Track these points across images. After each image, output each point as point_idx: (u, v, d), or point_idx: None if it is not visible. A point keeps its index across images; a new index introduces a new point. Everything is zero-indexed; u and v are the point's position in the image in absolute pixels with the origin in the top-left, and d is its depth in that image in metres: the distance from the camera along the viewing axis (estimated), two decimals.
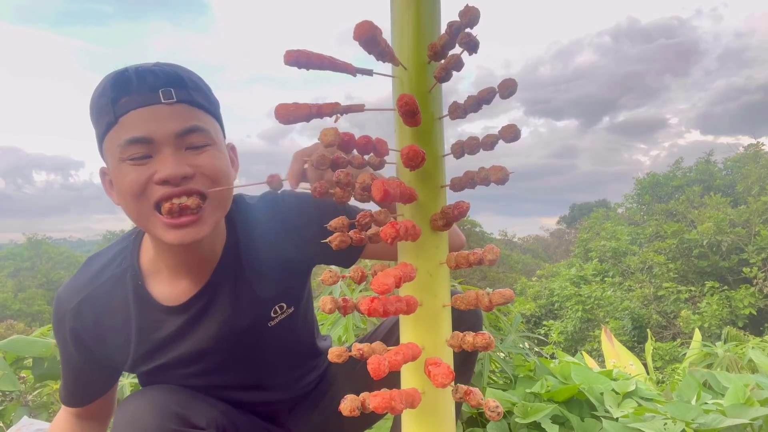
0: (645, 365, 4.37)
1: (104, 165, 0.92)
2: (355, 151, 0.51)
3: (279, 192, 1.06)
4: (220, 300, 0.98)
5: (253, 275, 1.00)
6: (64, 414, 1.13)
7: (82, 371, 1.04)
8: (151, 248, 0.98)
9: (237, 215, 1.00)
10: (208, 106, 0.90)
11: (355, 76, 0.51)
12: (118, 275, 0.98)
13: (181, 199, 0.83)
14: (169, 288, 0.97)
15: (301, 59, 0.46)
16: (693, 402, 1.61)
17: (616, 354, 4.47)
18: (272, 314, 1.02)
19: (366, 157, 0.54)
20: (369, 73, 0.51)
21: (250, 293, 0.99)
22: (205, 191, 0.86)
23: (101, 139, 0.88)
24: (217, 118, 0.93)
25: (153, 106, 0.83)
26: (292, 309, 1.06)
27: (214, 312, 0.98)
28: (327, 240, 0.55)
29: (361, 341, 1.07)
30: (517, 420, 1.46)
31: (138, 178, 0.83)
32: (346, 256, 1.07)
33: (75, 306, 0.98)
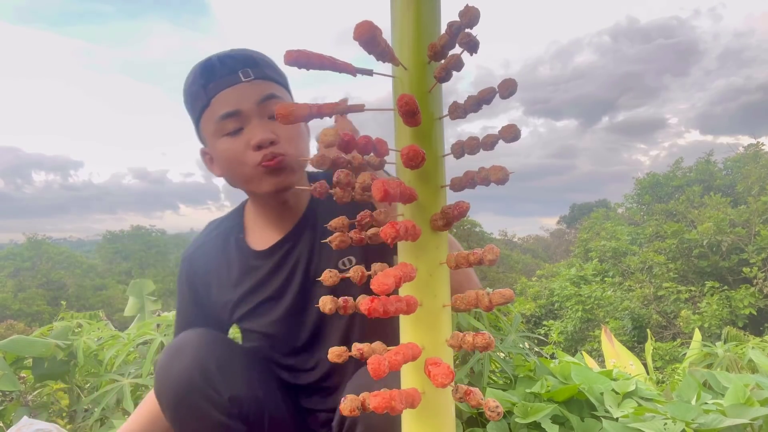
0: (645, 365, 4.37)
1: (203, 147, 1.12)
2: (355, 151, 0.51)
3: None
4: (300, 246, 1.14)
5: (326, 230, 1.09)
6: None
7: (188, 316, 1.20)
8: (252, 209, 1.18)
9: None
10: (279, 78, 1.09)
11: (355, 76, 0.51)
12: (227, 231, 1.20)
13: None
14: (261, 237, 1.16)
15: (301, 59, 0.46)
16: (693, 402, 1.61)
17: (616, 354, 4.46)
18: (341, 266, 1.14)
19: (366, 157, 0.54)
20: (369, 73, 0.51)
21: (322, 243, 1.11)
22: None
23: (197, 121, 1.08)
24: (287, 88, 1.12)
25: (236, 85, 1.02)
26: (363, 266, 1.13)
27: (295, 256, 1.14)
28: (327, 240, 0.55)
29: None
30: (517, 420, 1.46)
31: (237, 147, 1.03)
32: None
33: (191, 254, 1.20)
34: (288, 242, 1.14)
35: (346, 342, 1.14)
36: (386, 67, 0.52)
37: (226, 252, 1.17)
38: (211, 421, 0.97)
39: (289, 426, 1.12)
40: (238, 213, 1.21)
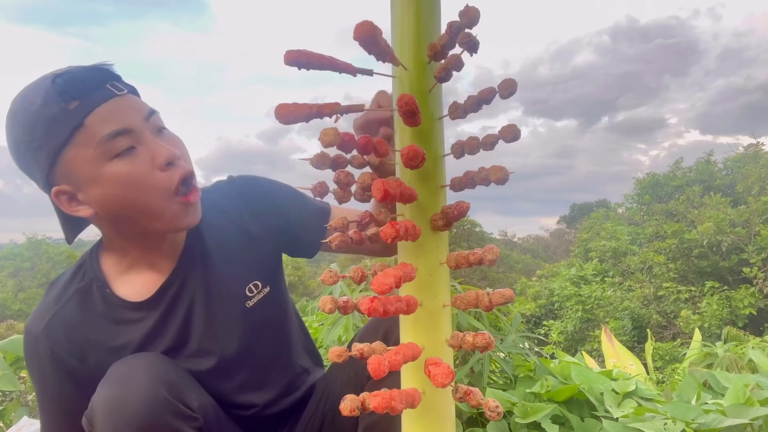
0: (645, 365, 4.37)
1: (58, 186, 0.88)
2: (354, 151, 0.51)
3: (256, 177, 1.11)
4: (190, 284, 0.98)
5: (220, 254, 1.01)
6: None
7: (62, 400, 0.97)
8: (113, 254, 0.98)
9: None
10: (137, 91, 0.94)
11: (355, 76, 0.51)
12: (84, 288, 0.97)
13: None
14: (137, 285, 0.97)
15: (301, 59, 0.46)
16: (693, 402, 1.61)
17: (616, 354, 4.46)
18: (248, 293, 1.01)
19: (366, 157, 0.54)
20: (369, 73, 0.51)
21: (219, 272, 1.00)
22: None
23: (59, 150, 0.85)
24: None
25: (111, 100, 0.86)
26: (268, 289, 1.05)
27: (188, 298, 0.98)
28: (327, 240, 0.55)
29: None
30: (517, 420, 1.46)
31: (141, 168, 0.86)
32: (307, 249, 1.11)
33: (44, 328, 0.94)
34: (175, 282, 0.97)
35: (268, 360, 1.06)
36: (386, 67, 0.52)
37: (91, 312, 0.95)
38: None
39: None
40: (92, 264, 0.98)
